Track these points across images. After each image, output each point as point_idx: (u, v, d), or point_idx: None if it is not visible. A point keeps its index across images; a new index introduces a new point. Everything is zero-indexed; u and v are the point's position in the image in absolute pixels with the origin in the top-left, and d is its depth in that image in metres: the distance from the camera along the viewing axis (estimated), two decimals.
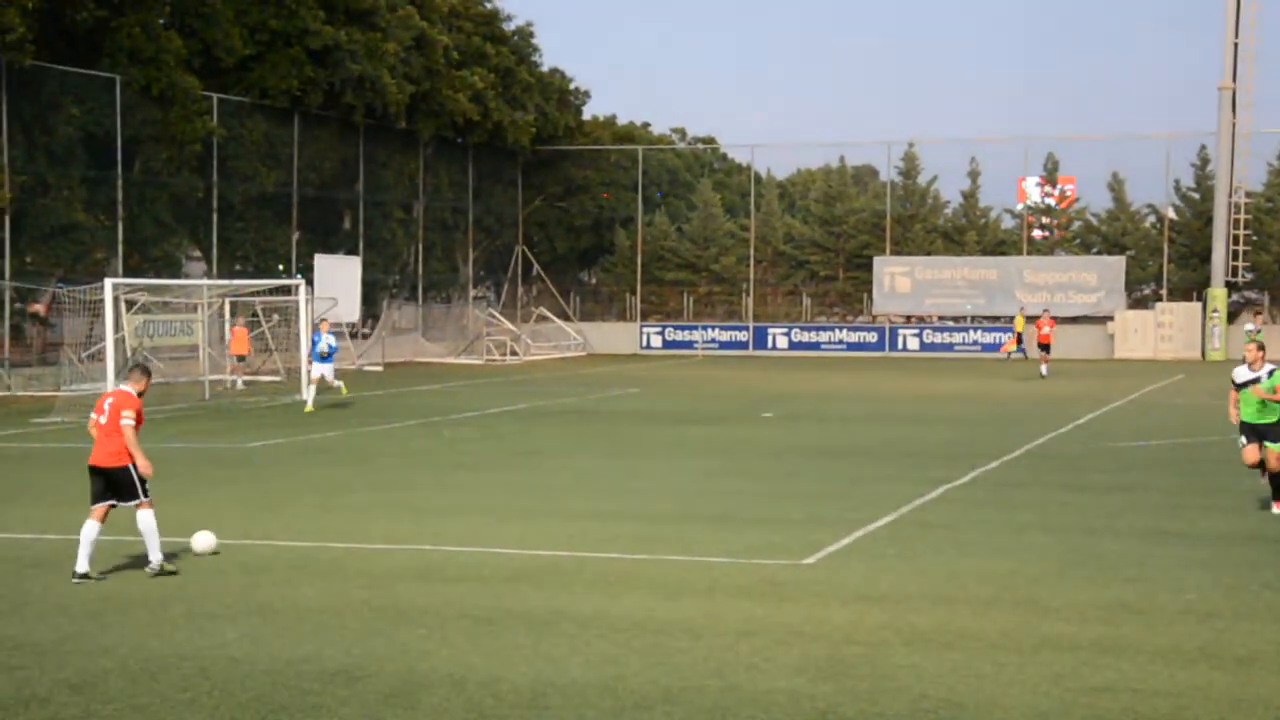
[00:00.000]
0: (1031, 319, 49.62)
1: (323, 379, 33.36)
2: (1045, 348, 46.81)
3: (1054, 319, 49.11)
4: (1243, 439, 18.05)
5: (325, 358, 33.34)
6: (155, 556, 14.24)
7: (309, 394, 33.49)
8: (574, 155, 68.18)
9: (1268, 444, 17.63)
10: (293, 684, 10.46)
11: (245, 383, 40.38)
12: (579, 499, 19.90)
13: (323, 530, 17.09)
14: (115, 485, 14.17)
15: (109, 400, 14.34)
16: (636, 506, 19.14)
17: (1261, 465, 18.04)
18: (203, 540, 15.22)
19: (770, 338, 64.46)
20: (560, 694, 10.20)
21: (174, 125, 44.50)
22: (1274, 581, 14.15)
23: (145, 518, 14.22)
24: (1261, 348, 18.06)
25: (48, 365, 39.72)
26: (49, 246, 41.64)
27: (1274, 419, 17.66)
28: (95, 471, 14.20)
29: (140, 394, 14.48)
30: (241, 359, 40.77)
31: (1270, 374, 17.62)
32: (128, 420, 14.05)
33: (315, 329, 34.99)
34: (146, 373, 14.89)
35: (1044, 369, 46.04)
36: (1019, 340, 49.73)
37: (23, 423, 30.85)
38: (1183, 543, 16.29)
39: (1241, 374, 18.06)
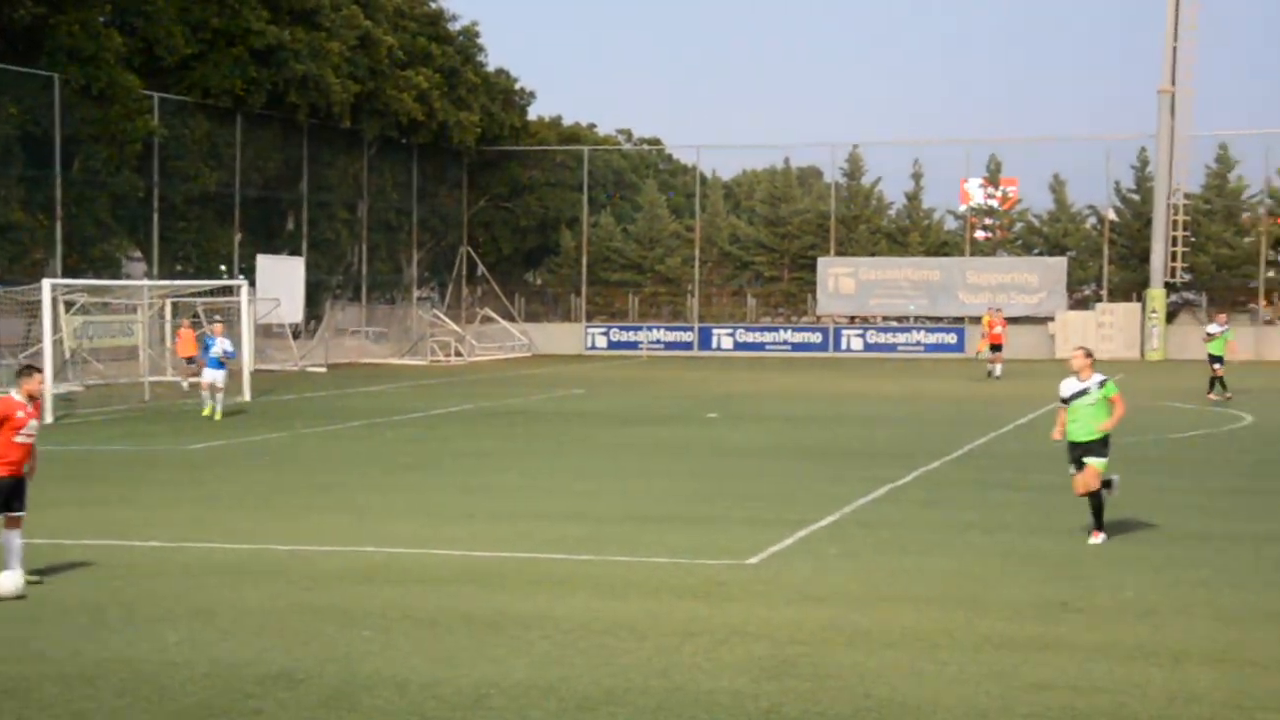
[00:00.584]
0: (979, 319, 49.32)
1: (213, 385, 31.49)
2: (996, 348, 46.68)
3: (1006, 319, 49.00)
4: (1071, 467, 16.35)
5: (219, 363, 31.57)
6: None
7: (206, 400, 31.74)
8: (519, 156, 68.04)
9: (1087, 459, 16.04)
10: (233, 687, 10.39)
11: (191, 384, 40.07)
12: (524, 500, 19.87)
13: (265, 532, 16.99)
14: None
15: None
16: (581, 507, 19.12)
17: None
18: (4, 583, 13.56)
19: (715, 338, 64.55)
20: (504, 695, 10.17)
21: (114, 124, 44.12)
22: (1210, 578, 14.30)
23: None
24: (1089, 355, 16.45)
25: None
26: None
27: (1101, 435, 16.10)
28: None
29: (31, 396, 13.73)
30: (189, 360, 40.41)
31: (1101, 384, 16.03)
32: None
33: (209, 333, 33.58)
34: (32, 371, 14.04)
35: (996, 369, 45.97)
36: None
37: None
38: (1121, 541, 16.42)
39: (1069, 386, 16.26)
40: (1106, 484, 16.22)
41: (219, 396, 31.62)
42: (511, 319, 66.05)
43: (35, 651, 11.48)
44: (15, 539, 13.47)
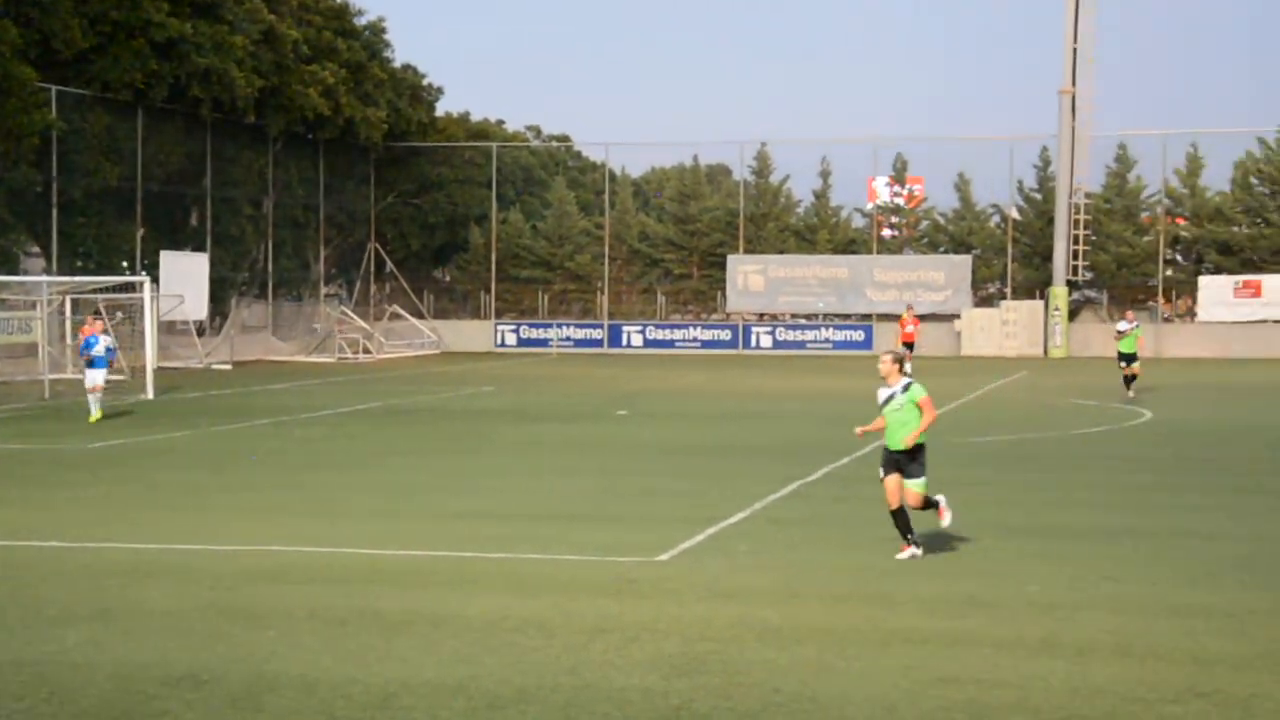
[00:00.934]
0: (895, 317, 49.27)
1: (96, 386, 30.06)
2: (910, 346, 46.39)
3: (918, 317, 49.11)
4: (881, 470, 15.08)
5: (97, 362, 30.18)
6: None
7: (94, 405, 30.10)
8: (427, 152, 67.72)
9: (907, 483, 14.84)
10: (136, 689, 10.25)
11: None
12: (433, 498, 19.81)
13: (169, 532, 16.78)
14: None
15: None
16: (491, 505, 19.07)
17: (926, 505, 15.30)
18: None
19: (625, 335, 64.62)
20: (413, 694, 10.12)
21: (10, 118, 43.39)
22: (1113, 573, 14.49)
23: None
24: (898, 360, 15.36)
25: None
26: None
27: (914, 446, 14.88)
28: None
29: None
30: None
31: (906, 389, 14.98)
32: None
33: (84, 331, 32.12)
34: None
35: (906, 367, 45.75)
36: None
37: None
38: (1026, 537, 16.61)
39: (884, 393, 15.17)
40: (933, 504, 15.12)
41: (97, 396, 30.18)
42: (420, 316, 65.74)
43: None
44: None
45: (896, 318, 60.39)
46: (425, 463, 24.02)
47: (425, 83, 67.86)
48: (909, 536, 14.91)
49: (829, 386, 42.24)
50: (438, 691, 10.21)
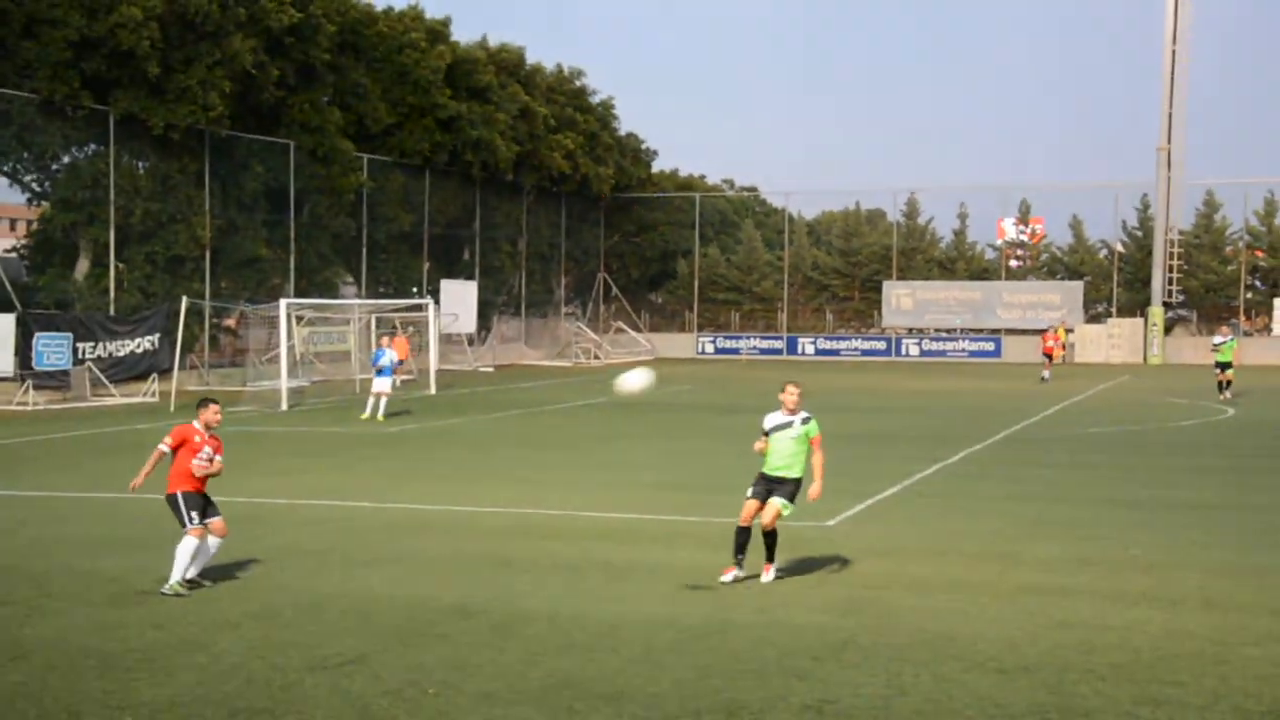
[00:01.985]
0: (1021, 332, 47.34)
1: (381, 392, 28.43)
2: (1049, 357, 44.76)
3: (1056, 334, 47.01)
4: (750, 490, 12.01)
5: (389, 371, 28.75)
6: (173, 576, 11.30)
7: (369, 404, 28.63)
8: (645, 201, 68.09)
9: (773, 499, 11.79)
10: (423, 616, 10.51)
11: (402, 381, 40.02)
12: (646, 473, 19.87)
13: (445, 496, 17.10)
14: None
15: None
16: (690, 479, 19.12)
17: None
18: (634, 381, 12.26)
19: (800, 345, 64.12)
20: (632, 627, 10.19)
21: (333, 180, 44.91)
22: (1201, 539, 13.97)
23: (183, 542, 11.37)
24: (797, 390, 12.09)
25: (236, 367, 40.17)
26: (238, 274, 42.14)
27: (798, 473, 11.91)
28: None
29: (208, 426, 11.67)
30: (402, 363, 40.14)
31: (805, 421, 11.99)
32: (161, 446, 11.51)
33: (378, 345, 30.75)
34: (208, 403, 11.91)
35: (1045, 374, 43.73)
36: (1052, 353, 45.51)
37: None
38: (1129, 509, 16.10)
39: (772, 419, 12.04)
40: (772, 546, 11.92)
41: (384, 401, 28.46)
42: (638, 330, 66.11)
43: (278, 584, 11.71)
44: (213, 542, 11.64)
45: (1024, 332, 59.13)
46: (642, 444, 24.15)
47: (644, 146, 68.17)
48: (738, 558, 11.82)
49: (965, 387, 41.41)
50: (652, 623, 10.26)
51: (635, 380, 12.55)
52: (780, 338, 64.83)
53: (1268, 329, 59.74)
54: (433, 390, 36.50)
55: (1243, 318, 61.03)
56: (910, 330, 64.36)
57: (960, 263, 65.47)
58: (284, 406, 31.40)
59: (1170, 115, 57.89)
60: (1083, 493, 17.46)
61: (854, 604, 10.93)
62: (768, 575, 11.82)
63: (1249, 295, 61.13)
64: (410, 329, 44.70)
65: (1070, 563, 12.70)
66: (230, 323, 43.66)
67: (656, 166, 70.34)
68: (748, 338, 65.12)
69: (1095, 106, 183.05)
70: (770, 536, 11.81)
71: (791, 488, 11.84)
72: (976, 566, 12.52)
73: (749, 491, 11.92)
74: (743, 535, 11.81)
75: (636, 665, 9.12)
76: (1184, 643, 9.72)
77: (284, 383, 32.23)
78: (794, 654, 9.38)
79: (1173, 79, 57.74)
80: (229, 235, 41.32)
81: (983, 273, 65.04)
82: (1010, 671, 8.97)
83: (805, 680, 8.78)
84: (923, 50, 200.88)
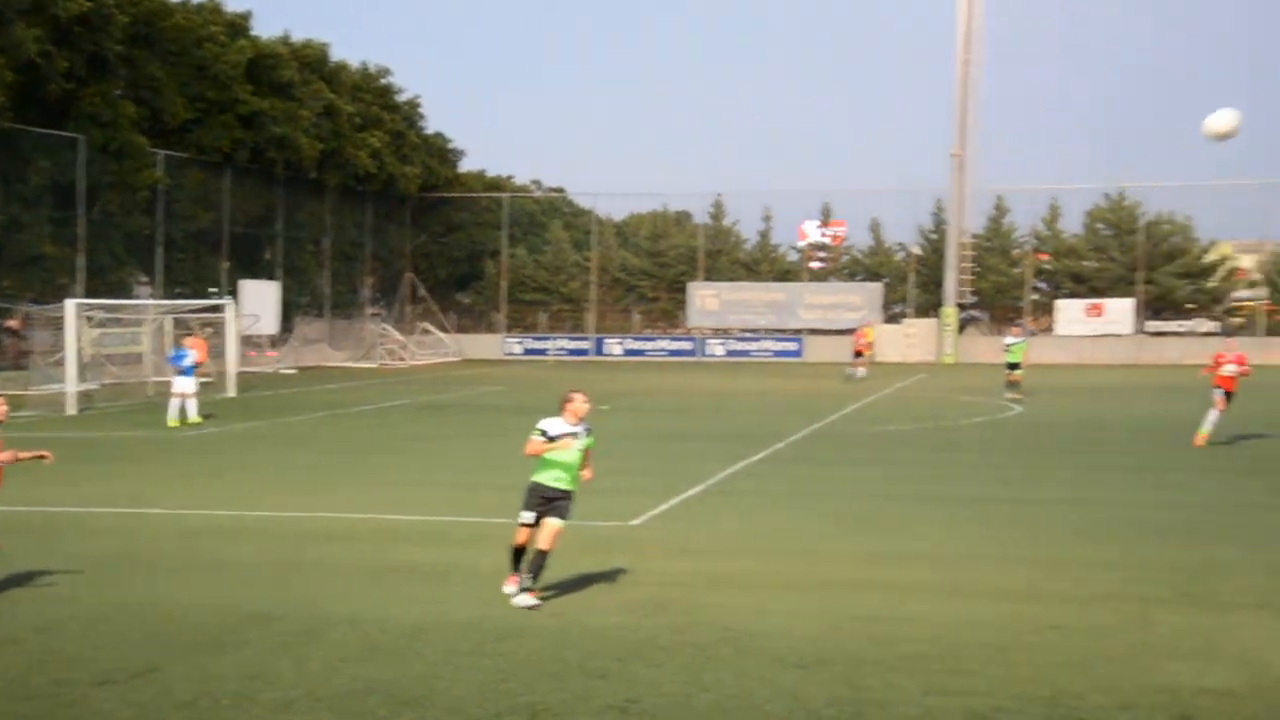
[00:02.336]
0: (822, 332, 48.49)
1: (184, 393, 27.45)
2: (859, 354, 45.89)
3: (864, 331, 48.29)
4: (524, 507, 11.12)
5: (187, 372, 27.61)
6: None
7: (172, 408, 27.50)
8: (452, 201, 67.53)
9: (550, 519, 11.00)
10: (223, 623, 10.17)
11: (200, 384, 38.81)
12: (453, 475, 19.71)
13: (246, 501, 16.66)
14: None
15: None
16: (499, 480, 18.93)
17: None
18: (1221, 122, 12.16)
19: (607, 346, 64.48)
20: (437, 629, 10.08)
21: (126, 175, 43.23)
22: (991, 532, 14.49)
23: None
24: (588, 400, 11.53)
25: (20, 370, 38.29)
26: (22, 274, 40.22)
27: (576, 486, 11.31)
28: None
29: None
30: (200, 364, 38.87)
31: (589, 433, 11.40)
32: None
33: (178, 344, 29.89)
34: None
35: (857, 372, 44.74)
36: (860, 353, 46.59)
37: None
38: (923, 503, 16.58)
39: (558, 426, 11.24)
40: (538, 571, 11.06)
41: (192, 402, 27.52)
42: (445, 330, 65.49)
43: (65, 596, 11.17)
44: None
45: (826, 332, 60.74)
46: (448, 446, 23.93)
47: (451, 146, 67.65)
48: (518, 569, 11.10)
49: (768, 386, 42.26)
50: (456, 626, 10.18)
51: (1224, 120, 12.81)
52: (588, 339, 65.07)
53: (1050, 329, 62.63)
54: (232, 393, 35.46)
55: (1029, 318, 63.79)
56: (715, 331, 65.33)
57: (765, 264, 66.82)
58: (72, 410, 30.09)
59: (963, 122, 60.21)
60: (880, 489, 17.96)
61: (656, 603, 11.01)
62: (526, 598, 10.80)
63: (1034, 296, 64.02)
64: (209, 330, 43.30)
65: (867, 557, 13.05)
66: (13, 324, 41.60)
67: (464, 166, 69.89)
68: (555, 338, 65.16)
69: (895, 112, 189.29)
70: (543, 556, 10.96)
71: (569, 504, 11.19)
72: (777, 563, 12.76)
73: (523, 509, 11.05)
74: (518, 552, 11.09)
75: (439, 669, 9.04)
76: (973, 633, 10.07)
77: (70, 385, 30.87)
78: (596, 655, 9.42)
79: (965, 87, 60.07)
80: (12, 232, 39.41)
81: (786, 274, 66.51)
82: (809, 666, 9.17)
83: (607, 680, 8.83)
84: (730, 53, 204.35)
